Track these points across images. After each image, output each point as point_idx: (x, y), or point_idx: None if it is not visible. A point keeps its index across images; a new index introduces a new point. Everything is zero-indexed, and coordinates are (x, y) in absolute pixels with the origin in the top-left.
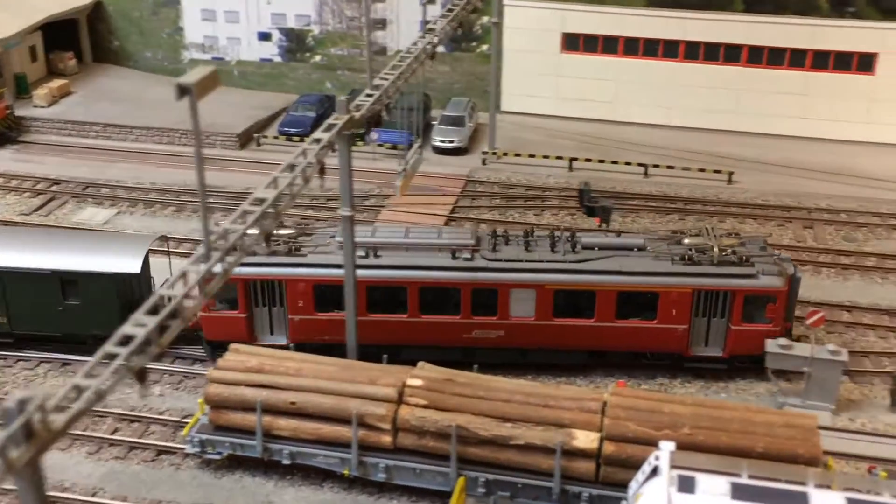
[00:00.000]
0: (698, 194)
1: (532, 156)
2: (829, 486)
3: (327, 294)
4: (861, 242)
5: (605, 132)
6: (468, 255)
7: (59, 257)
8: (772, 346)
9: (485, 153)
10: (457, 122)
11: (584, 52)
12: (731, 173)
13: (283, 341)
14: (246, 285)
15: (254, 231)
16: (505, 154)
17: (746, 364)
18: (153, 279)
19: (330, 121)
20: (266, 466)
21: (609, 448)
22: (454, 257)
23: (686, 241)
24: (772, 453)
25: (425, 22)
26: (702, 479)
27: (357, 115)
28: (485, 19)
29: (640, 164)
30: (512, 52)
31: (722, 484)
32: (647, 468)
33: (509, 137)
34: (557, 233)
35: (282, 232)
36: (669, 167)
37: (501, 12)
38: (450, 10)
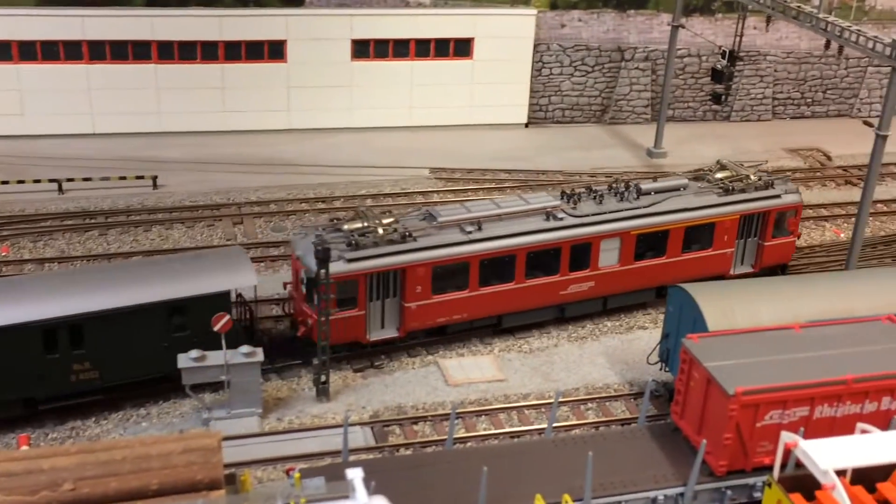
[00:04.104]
0: (122, 204)
1: None
2: None
3: (445, 275)
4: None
5: (15, 148)
6: (561, 215)
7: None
8: (184, 360)
9: None
10: None
11: None
12: (154, 177)
13: (394, 333)
14: (367, 279)
15: None
16: None
17: (770, 272)
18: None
19: None
20: None
21: None
22: (547, 219)
23: (718, 175)
24: (168, 487)
25: None
26: None
27: None
28: None
29: (52, 181)
30: None
31: None
32: None
33: None
34: (615, 185)
35: (385, 221)
36: (87, 179)
37: None
38: None
